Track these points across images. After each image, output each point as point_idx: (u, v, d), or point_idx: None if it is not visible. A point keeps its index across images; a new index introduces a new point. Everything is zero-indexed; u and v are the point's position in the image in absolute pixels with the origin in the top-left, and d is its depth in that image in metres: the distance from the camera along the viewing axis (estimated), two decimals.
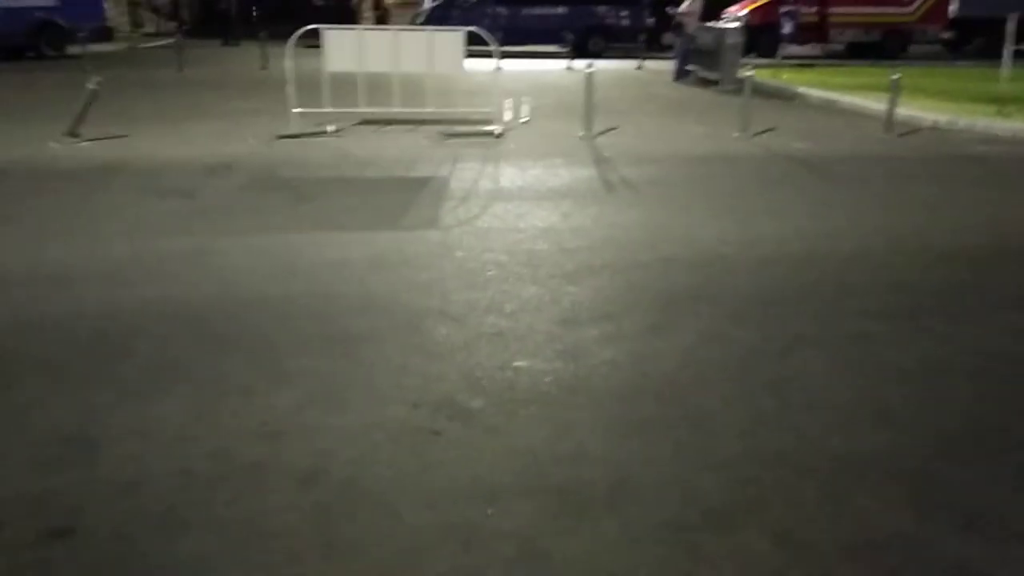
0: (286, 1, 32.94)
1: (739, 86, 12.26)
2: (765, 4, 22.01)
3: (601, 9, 22.21)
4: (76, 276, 4.46)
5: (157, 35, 25.05)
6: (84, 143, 8.13)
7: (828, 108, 12.19)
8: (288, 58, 8.93)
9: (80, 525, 2.39)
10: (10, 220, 5.56)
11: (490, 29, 12.24)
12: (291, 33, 9.20)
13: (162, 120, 9.81)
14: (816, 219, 5.89)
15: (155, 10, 26.18)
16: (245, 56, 17.98)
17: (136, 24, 25.10)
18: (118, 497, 2.52)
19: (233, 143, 8.36)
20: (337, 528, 2.39)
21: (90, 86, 8.28)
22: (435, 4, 22.58)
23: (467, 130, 9.27)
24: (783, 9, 19.36)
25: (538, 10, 22.00)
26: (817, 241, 5.35)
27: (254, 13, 25.60)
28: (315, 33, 8.99)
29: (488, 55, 9.81)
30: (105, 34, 20.34)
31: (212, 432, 2.89)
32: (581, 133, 9.11)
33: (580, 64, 16.29)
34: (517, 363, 3.46)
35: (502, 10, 21.62)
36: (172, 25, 25.18)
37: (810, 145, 8.92)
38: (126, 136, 8.55)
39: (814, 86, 13.66)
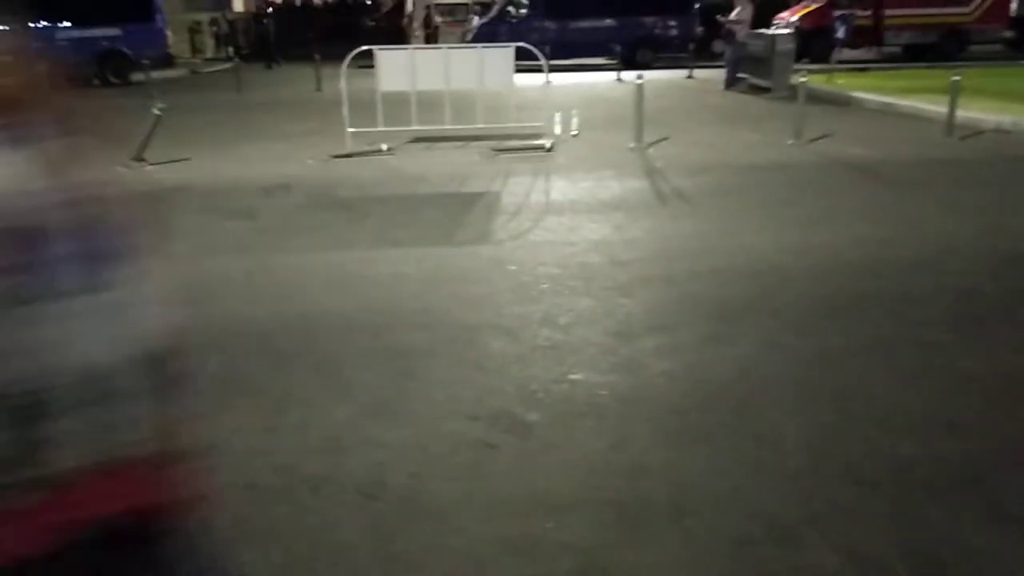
0: (338, 23, 33.67)
1: (792, 92, 12.08)
2: (817, 9, 21.67)
3: (649, 20, 22.13)
4: None
5: (215, 60, 25.84)
6: (150, 167, 8.42)
7: (885, 112, 11.91)
8: (342, 79, 9.13)
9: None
10: None
11: (538, 43, 12.33)
12: (343, 55, 9.41)
13: (222, 142, 10.11)
14: (876, 226, 5.76)
15: (216, 37, 27.02)
16: (300, 78, 18.42)
17: (195, 50, 25.94)
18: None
19: (290, 163, 8.57)
20: (398, 541, 2.42)
21: (155, 112, 8.59)
22: (483, 21, 22.84)
23: (517, 145, 9.33)
24: (836, 13, 19.01)
25: (586, 23, 22.04)
26: (877, 248, 5.23)
27: (309, 36, 26.23)
28: (367, 54, 9.17)
29: (537, 69, 9.87)
30: (167, 61, 21.08)
31: (276, 446, 2.97)
32: (632, 144, 9.09)
33: (629, 75, 16.26)
34: (572, 376, 3.46)
35: (550, 24, 21.71)
36: (229, 50, 25.96)
37: (867, 151, 8.73)
38: (189, 159, 8.84)
39: (870, 90, 13.37)
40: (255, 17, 27.73)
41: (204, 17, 26.97)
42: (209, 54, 26.97)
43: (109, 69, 19.22)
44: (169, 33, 21.39)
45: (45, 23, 18.47)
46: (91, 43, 18.97)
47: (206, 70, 23.91)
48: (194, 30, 26.10)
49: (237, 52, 24.41)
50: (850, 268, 4.85)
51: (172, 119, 9.19)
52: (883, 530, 2.42)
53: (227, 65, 22.30)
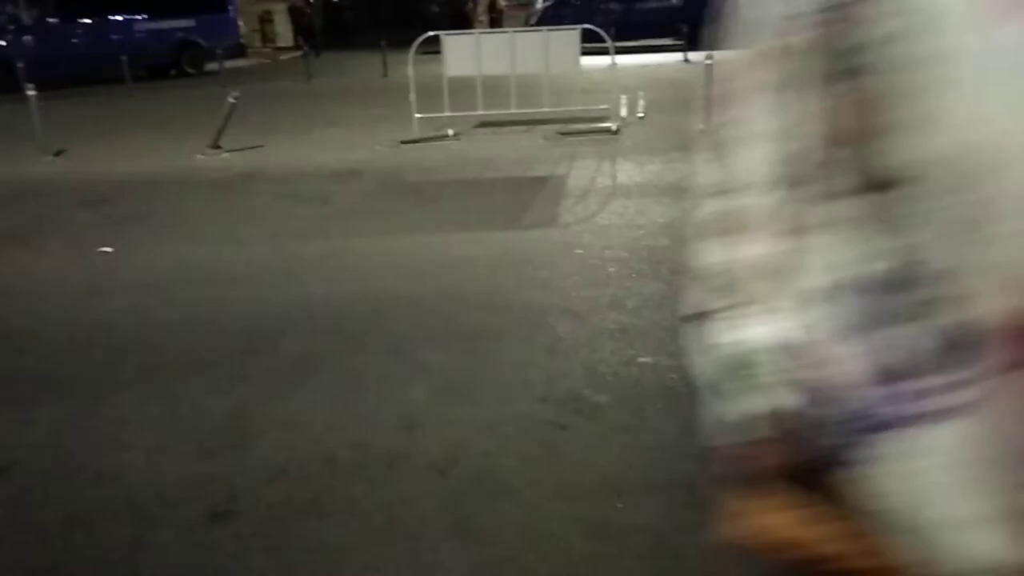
0: (403, 9, 33.91)
1: None
2: None
3: None
4: (224, 277, 4.80)
5: (286, 49, 26.38)
6: (225, 154, 8.69)
7: None
8: (410, 66, 9.23)
9: (238, 508, 2.59)
10: (164, 227, 6.03)
11: (603, 25, 12.19)
12: (409, 41, 9.50)
13: (294, 129, 10.35)
14: None
15: (298, 25, 27.56)
16: (367, 65, 18.67)
17: (267, 39, 26.53)
18: (270, 483, 2.72)
19: (360, 149, 8.72)
20: (472, 517, 2.48)
21: (230, 100, 8.84)
22: (548, 4, 22.69)
23: (583, 128, 9.29)
24: None
25: (652, 3, 21.69)
26: None
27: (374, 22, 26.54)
28: (432, 40, 9.25)
29: (602, 51, 9.79)
30: (239, 50, 21.62)
31: (352, 423, 3.06)
32: (700, 126, 8.94)
33: (697, 56, 15.95)
34: (642, 359, 3.46)
35: (615, 6, 21.45)
36: (299, 39, 26.48)
37: None
38: (262, 146, 9.08)
39: None
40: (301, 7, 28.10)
41: (275, 7, 27.49)
42: (280, 43, 27.53)
43: (184, 59, 19.82)
44: (241, 23, 21.93)
45: (124, 16, 19.14)
46: (167, 34, 19.59)
47: (277, 58, 24.45)
48: (265, 19, 26.67)
49: (307, 40, 24.83)
50: None
51: (245, 107, 9.45)
52: None
53: (297, 54, 22.77)
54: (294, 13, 26.29)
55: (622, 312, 3.98)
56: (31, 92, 9.03)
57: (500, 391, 3.26)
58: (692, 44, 18.53)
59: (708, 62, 8.87)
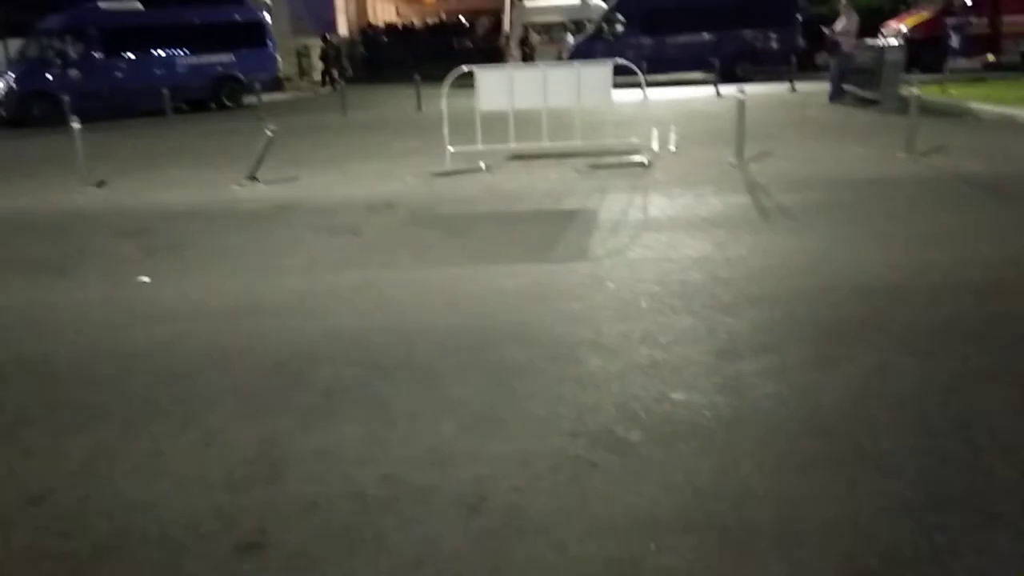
0: (437, 44, 34.47)
1: (901, 104, 11.58)
2: (929, 18, 20.74)
3: (749, 33, 21.70)
4: (259, 307, 4.85)
5: (323, 83, 26.90)
6: (262, 185, 8.85)
7: (1005, 125, 11.26)
8: (443, 99, 9.35)
9: (268, 541, 2.58)
10: (201, 257, 6.13)
11: (635, 59, 12.28)
12: (442, 74, 9.63)
13: (329, 161, 10.51)
14: (996, 244, 5.45)
15: (329, 59, 28.17)
16: (401, 98, 18.96)
17: (303, 73, 27.09)
18: (300, 516, 2.71)
19: (393, 182, 8.82)
20: (502, 555, 2.45)
21: (267, 133, 9.02)
22: (580, 39, 22.92)
23: (615, 161, 9.31)
24: (950, 21, 18.15)
25: (683, 38, 21.79)
26: (998, 268, 4.94)
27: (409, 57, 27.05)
28: (465, 74, 9.37)
29: (634, 85, 9.83)
30: (277, 84, 22.10)
31: (383, 456, 3.05)
32: (732, 160, 8.92)
33: (728, 90, 15.96)
34: (674, 395, 3.42)
35: (647, 40, 21.59)
36: (334, 72, 26.99)
37: (986, 165, 8.27)
38: (298, 178, 9.23)
39: (988, 101, 12.67)
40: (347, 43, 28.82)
41: (312, 42, 28.09)
42: (317, 77, 28.10)
43: (224, 93, 20.31)
44: (279, 58, 22.43)
45: (167, 51, 19.68)
46: (208, 69, 20.11)
47: (313, 93, 24.92)
48: (302, 54, 27.26)
49: (342, 74, 25.32)
50: (970, 288, 4.60)
51: (282, 140, 9.63)
52: (1013, 567, 2.28)
53: (333, 88, 23.19)
54: (323, 50, 26.87)
55: (654, 347, 3.94)
56: (76, 125, 9.29)
57: (531, 426, 3.23)
58: (724, 78, 18.58)
59: (740, 96, 8.87)
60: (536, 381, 3.64)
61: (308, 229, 6.86)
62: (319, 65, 27.58)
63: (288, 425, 3.33)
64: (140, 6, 19.95)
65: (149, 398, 3.66)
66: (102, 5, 19.19)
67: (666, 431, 3.13)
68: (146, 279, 5.53)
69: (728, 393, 3.42)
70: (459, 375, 3.73)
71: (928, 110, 11.16)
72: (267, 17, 22.05)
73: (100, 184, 9.31)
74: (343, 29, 38.39)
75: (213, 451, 3.16)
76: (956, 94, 13.88)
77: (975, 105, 12.48)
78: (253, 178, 9.01)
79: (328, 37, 27.25)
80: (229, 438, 3.25)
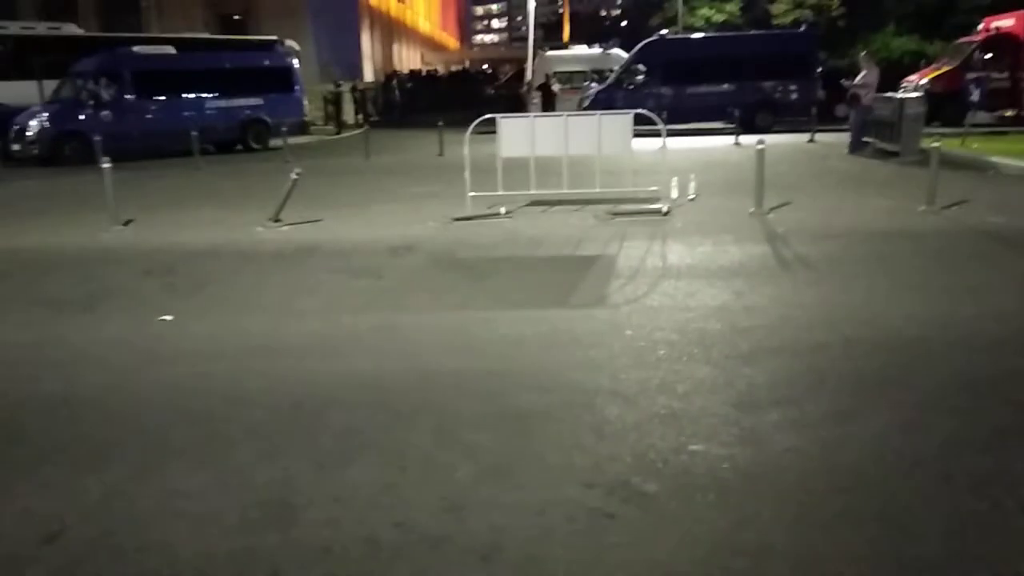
0: (460, 91, 35.10)
1: (922, 157, 11.60)
2: (948, 71, 20.86)
3: (768, 84, 21.92)
4: (278, 349, 4.88)
5: (347, 127, 27.40)
6: (285, 227, 8.97)
7: None
8: (465, 146, 9.48)
9: None
10: (222, 297, 6.20)
11: (655, 108, 12.42)
12: (465, 120, 9.79)
13: (352, 204, 10.65)
14: (1019, 298, 5.40)
15: (360, 102, 28.82)
16: (424, 143, 19.25)
17: (329, 117, 27.61)
18: (313, 562, 2.69)
19: (414, 225, 8.91)
20: None
21: (292, 176, 9.17)
22: (601, 88, 23.23)
23: (634, 208, 9.36)
24: (970, 75, 18.25)
25: (704, 88, 22.04)
26: (1021, 322, 4.88)
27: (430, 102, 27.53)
28: (487, 119, 9.52)
29: (654, 133, 9.93)
30: (303, 128, 22.54)
31: (396, 503, 3.03)
32: (752, 209, 8.94)
33: (748, 139, 16.05)
34: (692, 447, 3.38)
35: (667, 90, 21.85)
36: (359, 117, 27.50)
37: (1009, 219, 8.23)
38: (321, 220, 9.35)
39: (1010, 155, 12.66)
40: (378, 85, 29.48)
41: (337, 87, 28.65)
42: (347, 119, 28.64)
43: (251, 136, 20.72)
44: (306, 102, 22.91)
45: (197, 94, 20.16)
46: (236, 112, 20.57)
47: (338, 136, 25.37)
48: (328, 99, 27.82)
49: (367, 119, 25.78)
50: (991, 343, 4.54)
51: (306, 182, 9.78)
52: None
53: (356, 132, 23.61)
54: (353, 94, 27.44)
55: (672, 396, 3.92)
56: (106, 165, 9.50)
57: (546, 475, 3.20)
58: (743, 128, 18.72)
59: (760, 147, 8.92)
60: (553, 428, 3.62)
61: (329, 271, 6.92)
62: (345, 109, 28.15)
63: (304, 468, 3.33)
64: (173, 50, 20.52)
65: (167, 437, 3.67)
66: (136, 49, 19.76)
67: (684, 483, 3.09)
68: (168, 318, 5.59)
69: (747, 445, 3.38)
70: (475, 420, 3.72)
71: (949, 163, 11.17)
72: (295, 63, 22.60)
73: (127, 223, 9.48)
74: (369, 75, 39.19)
75: (228, 493, 3.15)
76: (977, 148, 13.88)
77: (996, 159, 12.47)
78: (277, 219, 9.14)
79: (339, 83, 27.83)
80: (245, 480, 3.25)
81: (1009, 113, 20.23)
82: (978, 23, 22.87)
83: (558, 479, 3.16)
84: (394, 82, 36.50)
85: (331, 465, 3.35)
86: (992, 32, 21.26)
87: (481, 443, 3.49)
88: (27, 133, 17.92)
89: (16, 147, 17.97)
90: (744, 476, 3.13)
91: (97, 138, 15.69)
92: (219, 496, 3.13)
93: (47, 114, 18.20)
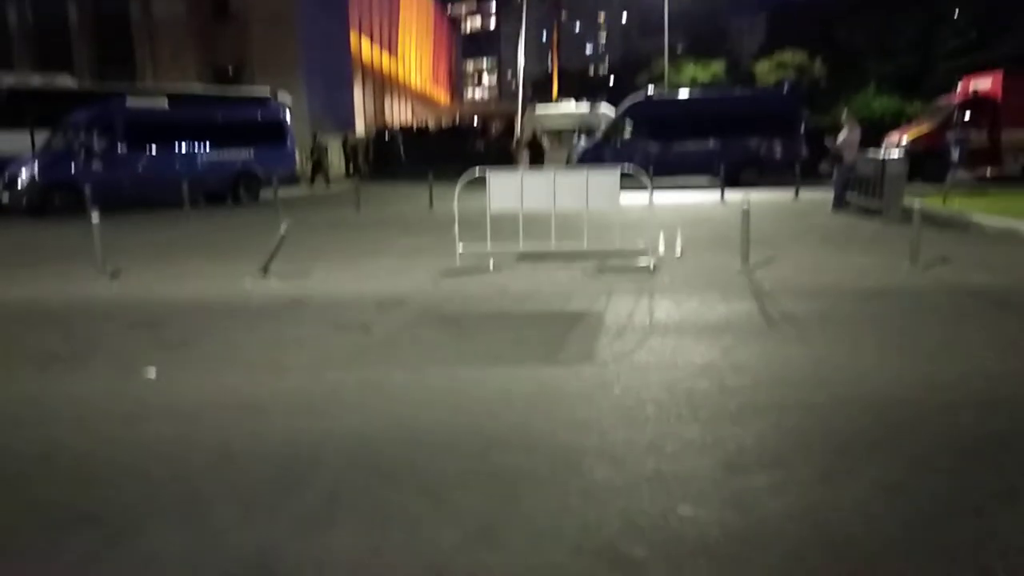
0: (450, 145, 35.60)
1: (905, 215, 11.78)
2: (930, 131, 21.35)
3: (753, 141, 22.36)
4: (263, 406, 4.83)
5: (339, 180, 27.64)
6: (274, 280, 8.96)
7: (1009, 237, 11.41)
8: (455, 200, 9.57)
9: None
10: (209, 352, 6.15)
11: (642, 163, 12.64)
12: (455, 173, 9.92)
13: (341, 257, 10.68)
14: (1007, 359, 5.43)
15: (352, 154, 29.12)
16: (414, 196, 19.42)
17: (314, 171, 27.86)
18: None
19: (403, 279, 8.93)
20: None
21: (281, 231, 9.21)
22: (589, 144, 23.61)
23: (621, 264, 9.43)
24: (950, 135, 18.68)
25: (690, 145, 22.45)
26: (1010, 384, 4.91)
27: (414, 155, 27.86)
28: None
29: (641, 187, 10.06)
30: (294, 180, 22.72)
31: (381, 568, 2.97)
32: (738, 266, 9.02)
33: (733, 196, 16.29)
34: (681, 510, 3.35)
35: (654, 146, 22.24)
36: (349, 169, 27.76)
37: (992, 277, 8.34)
38: (309, 273, 9.36)
39: (991, 213, 12.89)
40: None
41: (329, 140, 29.02)
42: (332, 174, 28.88)
43: (242, 188, 20.85)
44: (298, 154, 23.13)
45: (188, 146, 20.32)
46: (228, 164, 20.73)
47: (328, 190, 25.54)
48: (310, 153, 28.10)
49: (357, 172, 26.02)
50: (981, 404, 4.56)
51: (296, 235, 9.82)
52: None
53: (347, 185, 23.78)
54: (345, 147, 27.75)
55: (661, 458, 3.89)
56: (95, 218, 9.51)
57: (533, 539, 3.16)
58: (728, 184, 19.02)
59: (746, 207, 9.05)
60: (540, 490, 3.58)
61: (317, 325, 6.90)
62: (336, 162, 28.42)
63: (287, 531, 3.27)
64: (166, 102, 20.76)
65: (148, 498, 3.60)
66: (129, 101, 19.97)
67: (673, 549, 3.05)
68: (152, 374, 5.54)
69: (737, 508, 3.35)
70: (462, 481, 3.68)
71: (931, 221, 11.36)
72: (288, 116, 22.89)
73: (114, 275, 9.45)
74: (361, 128, 39.70)
75: (208, 558, 3.09)
76: (959, 206, 14.13)
77: (978, 217, 12.68)
78: (265, 273, 9.13)
79: (318, 137, 28.15)
80: (227, 542, 3.18)
81: (989, 173, 20.67)
82: (956, 83, 23.55)
83: (545, 543, 3.12)
84: (398, 136, 37.02)
85: (315, 528, 3.29)
86: (971, 93, 21.87)
87: (467, 505, 3.45)
88: (17, 183, 17.97)
89: (6, 197, 18.00)
90: (734, 541, 3.10)
91: (87, 189, 15.75)
92: (200, 561, 3.06)
93: (37, 164, 18.29)
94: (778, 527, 3.20)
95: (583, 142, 24.62)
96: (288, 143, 22.28)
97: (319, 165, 26.98)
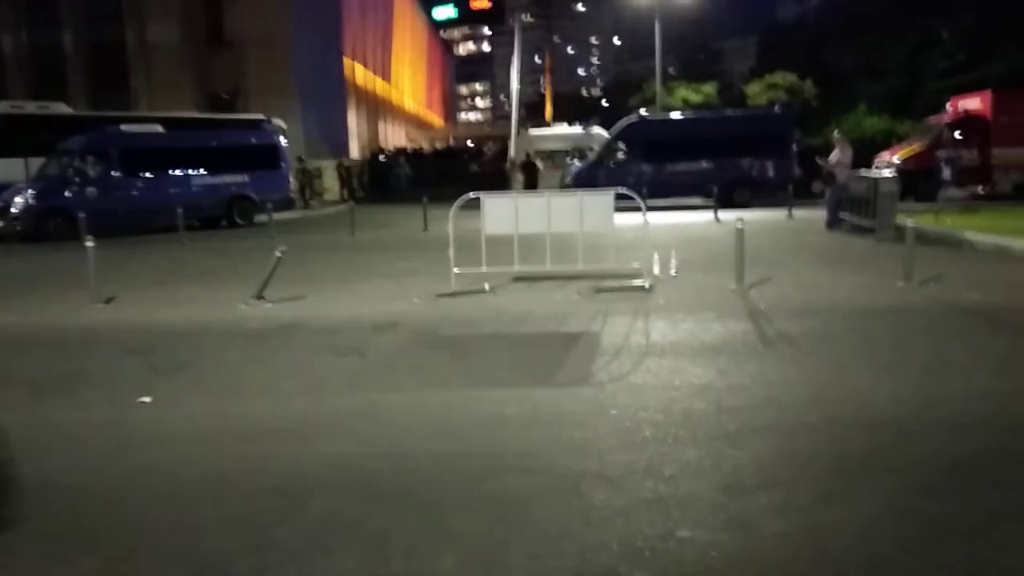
0: (445, 167, 35.76)
1: (897, 233, 11.85)
2: (921, 150, 21.52)
3: (746, 161, 22.49)
4: (260, 431, 4.81)
5: (335, 202, 27.73)
6: (269, 304, 8.95)
7: (1000, 255, 11.48)
8: (450, 223, 9.59)
9: None
10: (203, 377, 6.13)
11: (635, 185, 12.69)
12: (450, 196, 9.95)
13: (336, 280, 10.67)
14: (1003, 376, 5.45)
15: (347, 177, 29.26)
16: (410, 219, 19.46)
17: (315, 193, 27.94)
18: None
19: (398, 302, 8.93)
20: None
21: (277, 254, 9.20)
22: (582, 166, 23.73)
23: (617, 285, 9.44)
24: (942, 153, 18.84)
25: (683, 166, 22.57)
26: (1008, 401, 4.92)
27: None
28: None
29: (635, 209, 10.11)
30: (289, 204, 22.74)
31: None
32: (732, 286, 9.05)
33: (727, 215, 16.36)
34: (680, 533, 3.33)
35: (647, 167, 22.34)
36: (344, 192, 27.85)
37: (985, 295, 8.38)
38: (305, 296, 9.35)
39: (983, 231, 12.97)
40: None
41: (324, 164, 29.13)
42: (328, 197, 28.98)
43: (236, 212, 20.85)
44: (292, 179, 23.19)
45: (183, 171, 20.35)
46: (223, 189, 20.74)
47: (323, 212, 25.58)
48: (314, 175, 28.21)
49: (351, 195, 26.09)
50: (979, 422, 4.56)
51: (291, 258, 9.81)
52: None
53: (341, 207, 23.83)
54: (340, 170, 27.88)
55: (659, 480, 3.88)
56: (89, 244, 9.50)
57: (532, 564, 3.13)
58: (722, 204, 19.11)
59: (740, 226, 9.09)
60: (538, 514, 3.56)
61: (313, 349, 6.88)
62: (331, 186, 28.51)
63: (283, 557, 3.24)
64: (160, 129, 20.82)
65: (143, 526, 3.57)
66: (124, 128, 20.02)
67: (672, 572, 3.04)
68: (147, 399, 5.51)
69: (735, 531, 3.34)
70: (459, 506, 3.66)
71: (924, 239, 11.42)
72: (282, 140, 22.97)
73: (108, 301, 9.43)
74: (355, 151, 39.87)
75: None
76: (951, 224, 14.22)
77: (970, 235, 12.76)
78: (260, 297, 9.12)
79: (341, 160, 28.29)
80: (222, 571, 3.15)
81: (980, 191, 20.83)
82: (945, 103, 23.79)
83: (544, 569, 3.09)
84: (401, 158, 37.23)
85: (313, 555, 3.26)
86: (960, 113, 22.09)
87: (465, 530, 3.43)
88: (11, 210, 17.96)
89: (1, 223, 17.98)
90: (733, 564, 3.08)
91: (82, 215, 15.75)
92: None
93: (32, 191, 18.29)
94: (776, 548, 3.19)
95: (576, 164, 24.75)
96: (283, 167, 22.34)
97: (303, 189, 27.09)
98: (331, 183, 30.19)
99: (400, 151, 40.58)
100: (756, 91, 36.97)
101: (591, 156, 24.22)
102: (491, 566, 3.13)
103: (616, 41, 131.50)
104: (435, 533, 3.41)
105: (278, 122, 24.78)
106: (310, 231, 18.96)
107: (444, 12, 64.40)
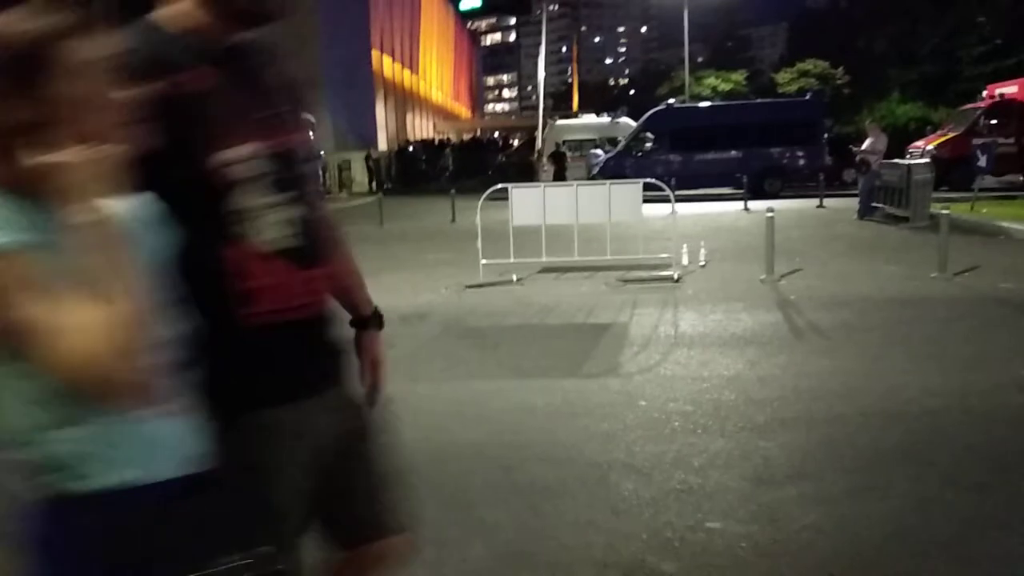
0: (472, 159, 35.77)
1: (931, 222, 11.65)
2: (955, 137, 21.12)
3: (776, 151, 22.22)
4: None
5: (364, 194, 27.89)
6: None
7: None
8: (478, 214, 9.61)
9: None
10: None
11: (664, 175, 12.62)
12: (477, 187, 9.96)
13: (364, 271, 10.64)
14: None
15: (375, 169, 29.42)
16: (437, 210, 19.51)
17: (343, 185, 28.12)
18: None
19: (426, 293, 8.98)
20: None
21: None
22: (610, 155, 23.61)
23: (645, 275, 9.40)
24: (977, 141, 18.46)
25: (712, 155, 22.36)
26: None
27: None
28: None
29: (664, 199, 10.05)
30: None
31: None
32: (762, 276, 8.96)
33: (757, 205, 16.19)
34: (710, 524, 3.33)
35: (675, 157, 22.18)
36: (372, 184, 28.01)
37: (1021, 285, 8.21)
38: None
39: (1019, 220, 12.70)
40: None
41: (353, 156, 29.30)
42: (356, 189, 29.16)
43: None
44: (321, 171, 23.38)
45: None
46: None
47: (353, 203, 25.76)
48: (343, 168, 28.40)
49: (380, 186, 26.25)
50: (1014, 416, 4.48)
51: None
52: None
53: (371, 199, 23.97)
54: (368, 162, 28.01)
55: (688, 471, 3.87)
56: None
57: (561, 554, 3.15)
58: (752, 194, 18.90)
59: (770, 215, 9.00)
60: (566, 505, 3.57)
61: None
62: (360, 178, 28.65)
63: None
64: None
65: None
66: None
67: (702, 563, 3.03)
68: None
69: (765, 522, 3.32)
70: (488, 496, 3.68)
71: (958, 228, 11.19)
72: (310, 133, 23.16)
73: None
74: (383, 144, 40.06)
75: None
76: (987, 213, 13.94)
77: (1007, 224, 12.50)
78: None
79: (369, 152, 28.40)
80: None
81: (1021, 179, 20.38)
82: (981, 90, 23.29)
83: (572, 559, 3.10)
84: (447, 150, 37.22)
85: None
86: (997, 98, 21.61)
87: (493, 519, 3.45)
88: None
89: None
90: (763, 555, 3.07)
91: None
92: None
93: None
94: (807, 541, 3.17)
95: (604, 154, 24.63)
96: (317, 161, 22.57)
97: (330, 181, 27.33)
98: (360, 175, 30.36)
99: (444, 143, 40.59)
100: (787, 79, 36.51)
101: (619, 146, 24.10)
102: (519, 555, 3.14)
103: (643, 30, 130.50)
104: (463, 523, 3.43)
105: (307, 116, 24.96)
106: (338, 222, 19.07)
107: (470, 2, 64.21)
